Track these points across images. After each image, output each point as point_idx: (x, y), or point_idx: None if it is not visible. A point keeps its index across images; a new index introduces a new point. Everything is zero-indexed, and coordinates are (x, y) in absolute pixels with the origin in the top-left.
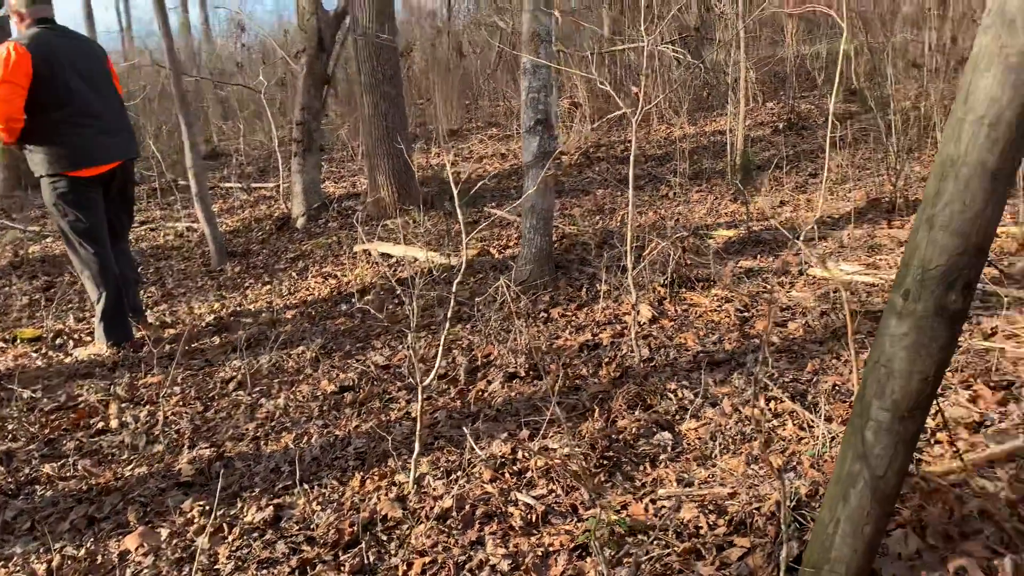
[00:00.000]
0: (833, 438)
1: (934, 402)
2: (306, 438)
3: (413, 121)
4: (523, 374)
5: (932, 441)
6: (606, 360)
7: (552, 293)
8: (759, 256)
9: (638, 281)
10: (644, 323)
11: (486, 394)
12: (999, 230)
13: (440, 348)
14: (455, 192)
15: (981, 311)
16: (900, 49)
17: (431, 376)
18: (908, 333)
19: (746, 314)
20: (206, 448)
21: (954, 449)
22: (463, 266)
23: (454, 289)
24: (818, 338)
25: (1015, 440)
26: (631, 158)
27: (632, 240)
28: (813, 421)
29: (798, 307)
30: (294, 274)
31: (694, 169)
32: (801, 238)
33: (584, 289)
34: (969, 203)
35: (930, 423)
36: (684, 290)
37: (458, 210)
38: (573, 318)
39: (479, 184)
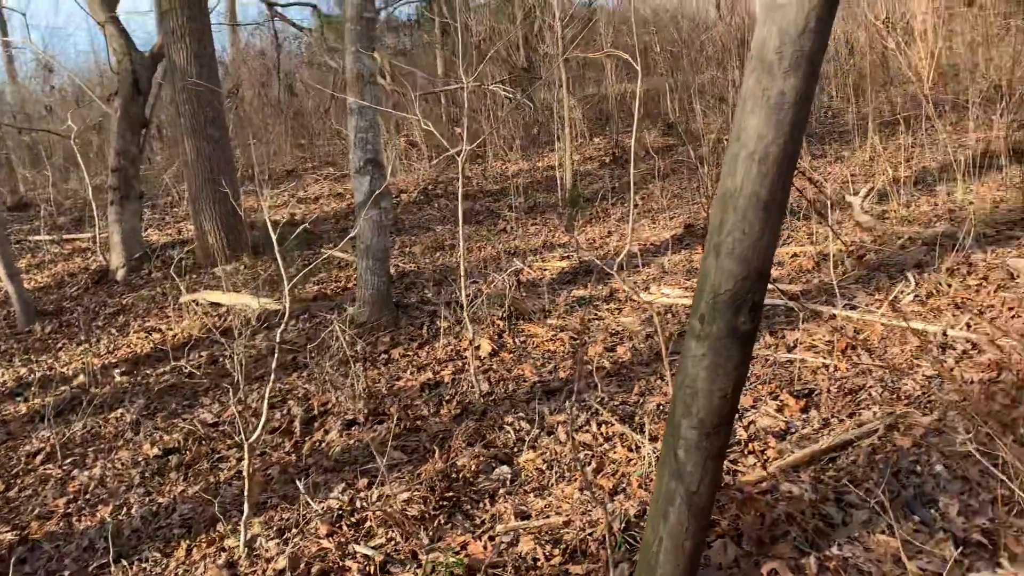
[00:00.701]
0: (658, 457)
1: (743, 415)
2: (125, 509)
3: (245, 163)
4: (362, 420)
5: (745, 452)
6: (447, 398)
7: (393, 333)
8: (589, 284)
9: (477, 316)
10: (485, 357)
11: (323, 444)
12: (798, 250)
13: (265, 402)
14: (273, 236)
15: (784, 326)
16: (708, 86)
17: (257, 432)
18: (706, 355)
19: (579, 342)
20: (6, 532)
21: (764, 458)
22: (286, 314)
23: (278, 339)
24: (644, 360)
25: (815, 444)
26: (459, 197)
27: (465, 277)
28: (640, 442)
29: (626, 331)
30: (114, 331)
31: (529, 203)
32: (615, 269)
33: (425, 327)
34: (748, 232)
35: (744, 434)
36: (522, 321)
37: (278, 255)
38: (415, 357)
39: (301, 228)
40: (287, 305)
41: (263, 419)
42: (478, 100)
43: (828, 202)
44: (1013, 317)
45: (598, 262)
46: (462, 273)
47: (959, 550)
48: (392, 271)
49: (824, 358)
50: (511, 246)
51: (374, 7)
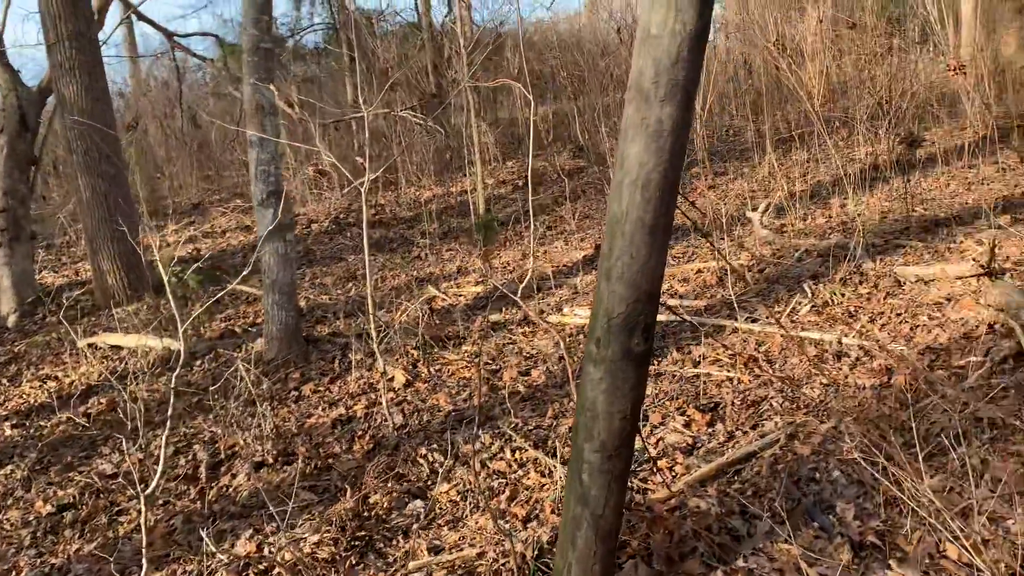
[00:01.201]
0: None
1: (652, 431)
2: (15, 574)
3: (147, 197)
4: (271, 461)
5: (655, 469)
6: (360, 433)
7: (303, 369)
8: (504, 309)
9: (391, 346)
10: (399, 389)
11: (230, 489)
12: (702, 265)
13: (163, 449)
14: (164, 275)
15: (690, 341)
16: (613, 108)
17: (153, 484)
18: (604, 378)
19: (494, 367)
20: None
21: (673, 474)
22: (183, 355)
23: (172, 383)
24: (558, 382)
25: (721, 458)
26: (364, 227)
27: (375, 307)
28: (553, 466)
29: (540, 354)
30: (5, 381)
31: (443, 229)
32: (523, 294)
33: (337, 361)
34: (636, 256)
35: (653, 451)
36: (437, 350)
37: (169, 293)
38: (326, 393)
39: (196, 264)
40: (183, 346)
41: (160, 468)
42: (388, 127)
43: (722, 222)
44: (901, 323)
45: (505, 291)
46: (370, 305)
47: (855, 554)
48: (303, 303)
49: (728, 371)
50: (425, 273)
51: (271, 37)
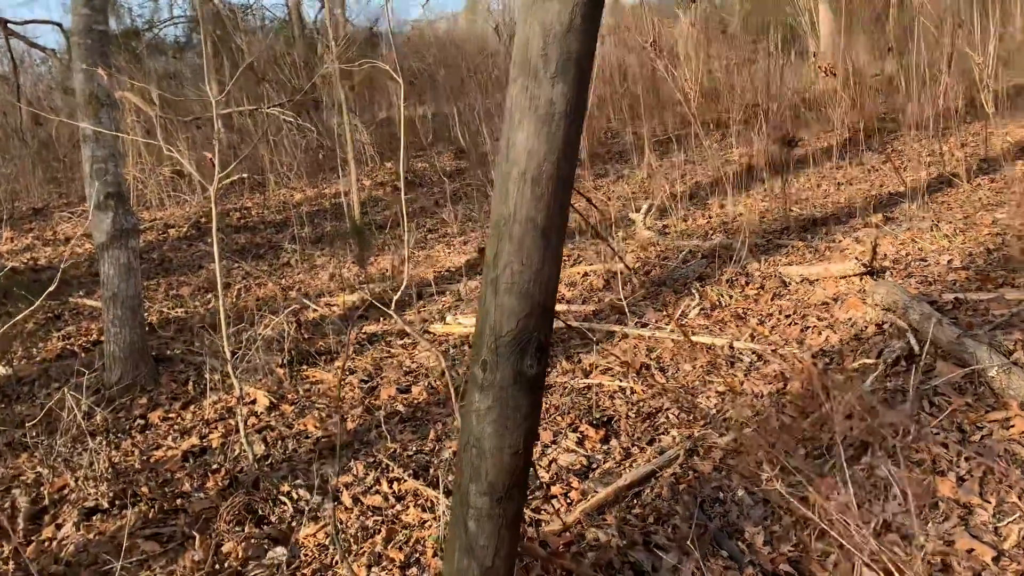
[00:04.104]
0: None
1: (544, 452)
2: None
3: None
4: (107, 506)
5: (548, 496)
6: (214, 467)
7: (152, 392)
8: (382, 319)
9: (254, 365)
10: (261, 413)
11: (55, 542)
12: (587, 269)
13: None
14: None
15: (580, 349)
16: (494, 109)
17: None
18: (492, 407)
19: (371, 383)
20: None
21: (568, 501)
22: None
23: None
24: (441, 399)
25: (618, 480)
26: (214, 235)
27: (226, 322)
28: (436, 498)
29: (421, 368)
30: None
31: (316, 233)
32: (406, 304)
33: (191, 382)
34: (527, 262)
35: (545, 476)
36: (306, 367)
37: None
38: (178, 420)
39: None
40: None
41: None
42: (255, 125)
43: (610, 223)
44: (790, 325)
45: (378, 304)
46: (222, 317)
47: None
48: (155, 317)
49: (620, 381)
50: (295, 281)
51: (105, 19)
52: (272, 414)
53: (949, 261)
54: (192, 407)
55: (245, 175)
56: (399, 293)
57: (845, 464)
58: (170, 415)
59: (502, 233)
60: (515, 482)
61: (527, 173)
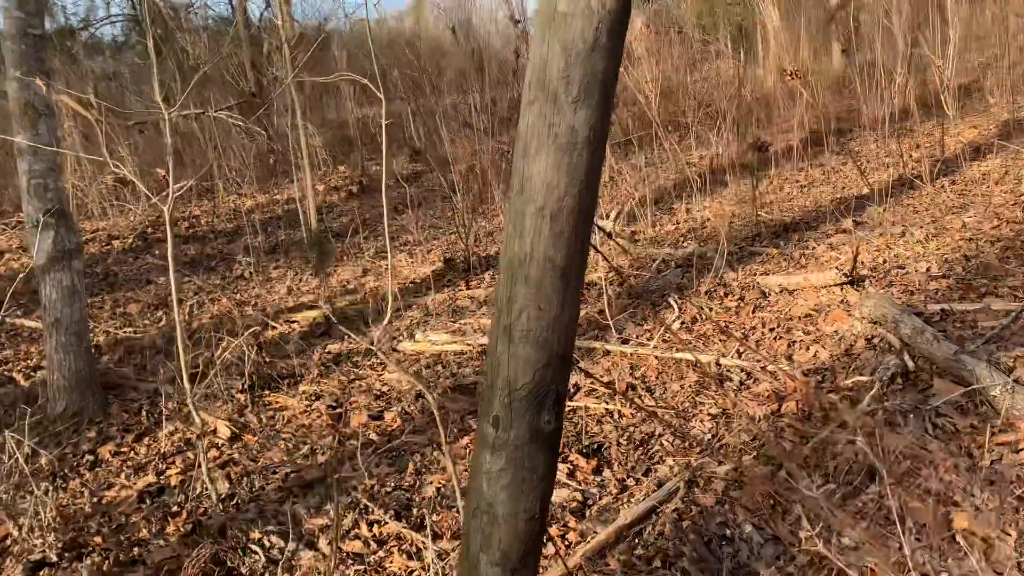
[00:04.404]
0: (443, 556)
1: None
2: None
3: None
4: (56, 559)
5: (545, 540)
6: (174, 509)
7: (101, 424)
8: (347, 337)
9: (212, 391)
10: (223, 444)
11: None
12: None
13: None
14: None
15: None
16: (451, 111)
17: None
18: (506, 468)
19: (340, 409)
20: None
21: (565, 544)
22: None
23: None
24: (418, 426)
25: (618, 519)
26: (169, 254)
27: (184, 347)
28: (422, 542)
29: (393, 391)
30: None
31: (270, 242)
32: (371, 321)
33: (144, 412)
34: (546, 307)
35: None
36: (268, 392)
37: None
38: (131, 455)
39: None
40: None
41: None
42: (202, 130)
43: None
44: (776, 339)
45: (342, 328)
46: (179, 345)
47: None
48: (101, 338)
49: (607, 403)
50: (251, 296)
51: (41, 22)
52: (235, 446)
53: (927, 269)
54: (146, 439)
55: (193, 182)
56: (386, 318)
57: (853, 493)
58: (122, 449)
59: (516, 275)
60: (530, 549)
61: (545, 208)
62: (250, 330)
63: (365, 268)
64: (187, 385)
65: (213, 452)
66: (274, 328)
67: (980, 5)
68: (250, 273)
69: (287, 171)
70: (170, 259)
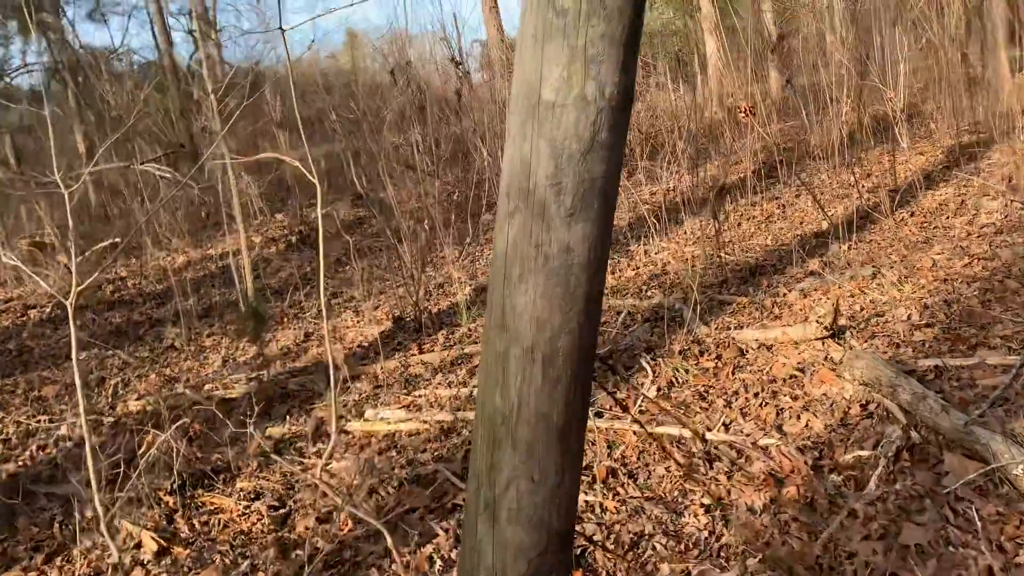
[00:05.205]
0: None
1: None
2: None
3: None
4: None
5: None
6: None
7: (5, 542)
8: (289, 415)
9: (136, 493)
10: (149, 560)
11: None
12: None
13: None
14: None
15: None
16: (392, 152)
17: None
18: None
19: (283, 510)
20: None
21: None
22: None
23: None
24: (371, 531)
25: None
26: (73, 344)
27: (92, 451)
28: None
29: (342, 482)
30: None
31: (203, 304)
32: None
33: (58, 524)
34: (540, 477)
35: None
36: (201, 491)
37: None
38: None
39: None
40: None
41: None
42: (126, 183)
43: None
44: (762, 406)
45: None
46: (87, 446)
47: None
48: (11, 430)
49: (585, 493)
50: (182, 370)
51: None
52: (163, 562)
53: (909, 316)
54: (59, 559)
55: (118, 239)
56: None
57: None
58: (30, 574)
59: (500, 436)
60: None
61: (536, 350)
62: (178, 424)
63: (307, 331)
64: (100, 509)
65: (138, 572)
66: (204, 405)
67: (913, 32)
68: (181, 343)
69: (219, 222)
70: (75, 361)
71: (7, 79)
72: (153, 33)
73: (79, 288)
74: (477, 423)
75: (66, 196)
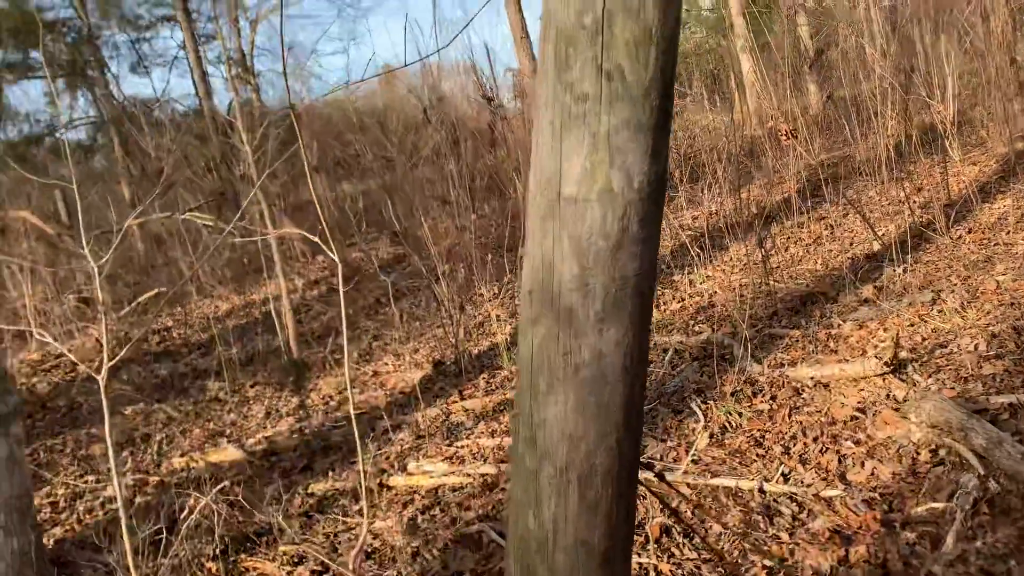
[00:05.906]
0: None
1: None
2: None
3: None
4: None
5: None
6: None
7: None
8: (332, 470)
9: (178, 560)
10: None
11: None
12: None
13: None
14: None
15: None
16: (427, 187)
17: None
18: None
19: (327, 574)
20: None
21: None
22: None
23: None
24: None
25: None
26: (106, 423)
27: (128, 518)
28: None
29: (386, 544)
30: None
31: (247, 352)
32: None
33: None
34: None
35: None
36: (244, 555)
37: None
38: None
39: None
40: None
41: None
42: (170, 233)
43: None
44: (822, 452)
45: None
46: (122, 515)
47: None
48: (60, 493)
49: (638, 554)
50: (226, 423)
51: None
52: None
53: (976, 347)
54: None
55: (164, 289)
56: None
57: None
58: None
59: (534, 564)
60: None
61: (570, 470)
62: (219, 486)
63: (352, 377)
64: (131, 563)
65: None
66: (247, 458)
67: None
68: (225, 394)
69: (260, 267)
70: (108, 440)
71: (57, 134)
72: (193, 81)
73: (110, 363)
74: (509, 546)
75: (95, 270)
